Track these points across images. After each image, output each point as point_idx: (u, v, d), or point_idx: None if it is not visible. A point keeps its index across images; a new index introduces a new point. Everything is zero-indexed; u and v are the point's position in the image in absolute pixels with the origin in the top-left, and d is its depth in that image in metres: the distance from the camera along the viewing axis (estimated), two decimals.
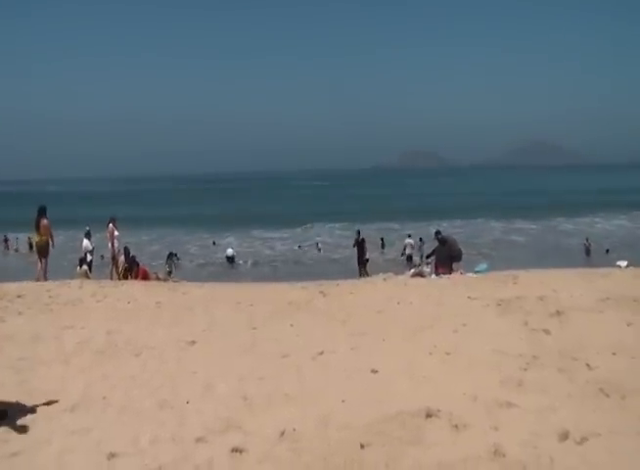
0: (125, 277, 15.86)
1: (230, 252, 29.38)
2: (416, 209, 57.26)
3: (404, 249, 27.37)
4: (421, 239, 27.73)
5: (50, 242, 14.34)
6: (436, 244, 15.37)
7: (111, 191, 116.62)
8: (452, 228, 40.83)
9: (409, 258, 26.60)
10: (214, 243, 34.78)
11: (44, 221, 14.25)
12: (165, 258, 25.70)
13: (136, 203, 74.25)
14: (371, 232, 38.84)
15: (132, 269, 16.04)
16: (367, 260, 21.72)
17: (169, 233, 40.36)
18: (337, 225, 43.75)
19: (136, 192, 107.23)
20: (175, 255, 27.03)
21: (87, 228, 18.53)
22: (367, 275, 18.85)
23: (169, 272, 21.62)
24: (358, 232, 22.87)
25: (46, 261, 14.31)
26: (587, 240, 28.74)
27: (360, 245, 21.90)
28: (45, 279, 13.76)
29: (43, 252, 14.27)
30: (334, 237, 36.89)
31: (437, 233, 15.56)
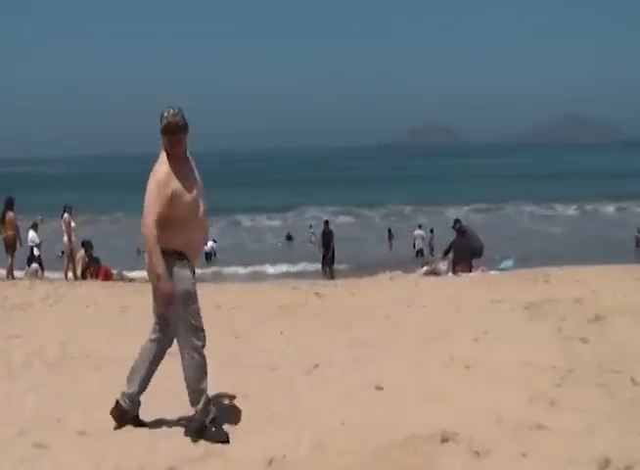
0: (84, 277, 15.85)
1: (209, 246, 29.31)
2: (431, 191, 57.36)
3: (414, 241, 27.50)
4: (432, 230, 27.82)
5: (17, 237, 15.59)
6: (453, 236, 15.35)
7: (108, 172, 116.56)
8: (475, 213, 40.86)
9: (420, 252, 26.70)
10: None
11: (10, 214, 15.43)
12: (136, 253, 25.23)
13: (109, 187, 73.99)
14: (380, 221, 38.87)
15: (90, 267, 16.07)
16: (333, 258, 21.05)
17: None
18: (338, 210, 43.64)
19: (119, 174, 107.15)
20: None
21: (39, 217, 18.73)
22: (332, 277, 18.69)
23: None
24: (326, 222, 22.44)
25: (12, 257, 15.61)
26: (639, 231, 28.80)
27: (327, 238, 21.17)
28: (12, 277, 15.26)
29: (12, 247, 15.50)
30: (332, 225, 36.81)
31: (457, 222, 15.45)
